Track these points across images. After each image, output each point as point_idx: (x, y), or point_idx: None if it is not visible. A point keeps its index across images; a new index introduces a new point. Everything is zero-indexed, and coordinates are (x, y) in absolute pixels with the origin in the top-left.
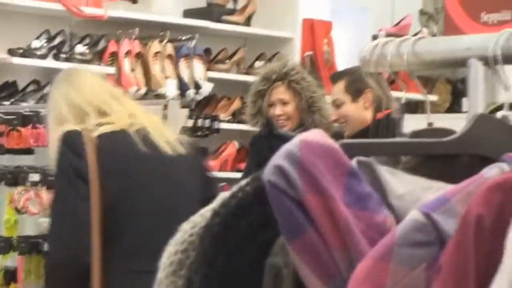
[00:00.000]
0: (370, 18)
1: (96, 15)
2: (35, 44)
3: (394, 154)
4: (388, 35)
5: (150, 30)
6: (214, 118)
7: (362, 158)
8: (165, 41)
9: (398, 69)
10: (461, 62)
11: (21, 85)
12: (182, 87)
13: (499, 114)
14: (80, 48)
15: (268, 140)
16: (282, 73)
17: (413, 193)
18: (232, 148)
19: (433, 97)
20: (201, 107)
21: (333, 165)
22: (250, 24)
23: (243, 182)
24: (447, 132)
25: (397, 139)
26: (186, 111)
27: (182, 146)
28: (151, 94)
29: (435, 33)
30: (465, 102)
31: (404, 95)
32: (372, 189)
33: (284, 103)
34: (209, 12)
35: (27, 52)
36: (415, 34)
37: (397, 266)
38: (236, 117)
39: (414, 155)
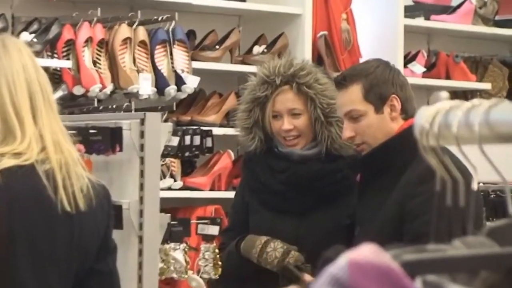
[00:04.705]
0: None
1: None
2: None
3: (468, 270)
4: (425, 5)
5: (116, 11)
6: (206, 134)
7: (429, 278)
8: (135, 24)
9: (467, 143)
10: None
11: None
12: (160, 83)
13: None
14: (26, 37)
15: (266, 159)
16: (289, 74)
17: None
18: (226, 159)
19: (485, 85)
20: (185, 108)
21: None
22: None
23: None
24: None
25: (471, 252)
26: (169, 127)
27: (87, 198)
28: (120, 93)
29: (486, 2)
30: None
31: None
32: None
33: (294, 114)
34: None
35: None
36: (461, 4)
37: None
38: (230, 119)
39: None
